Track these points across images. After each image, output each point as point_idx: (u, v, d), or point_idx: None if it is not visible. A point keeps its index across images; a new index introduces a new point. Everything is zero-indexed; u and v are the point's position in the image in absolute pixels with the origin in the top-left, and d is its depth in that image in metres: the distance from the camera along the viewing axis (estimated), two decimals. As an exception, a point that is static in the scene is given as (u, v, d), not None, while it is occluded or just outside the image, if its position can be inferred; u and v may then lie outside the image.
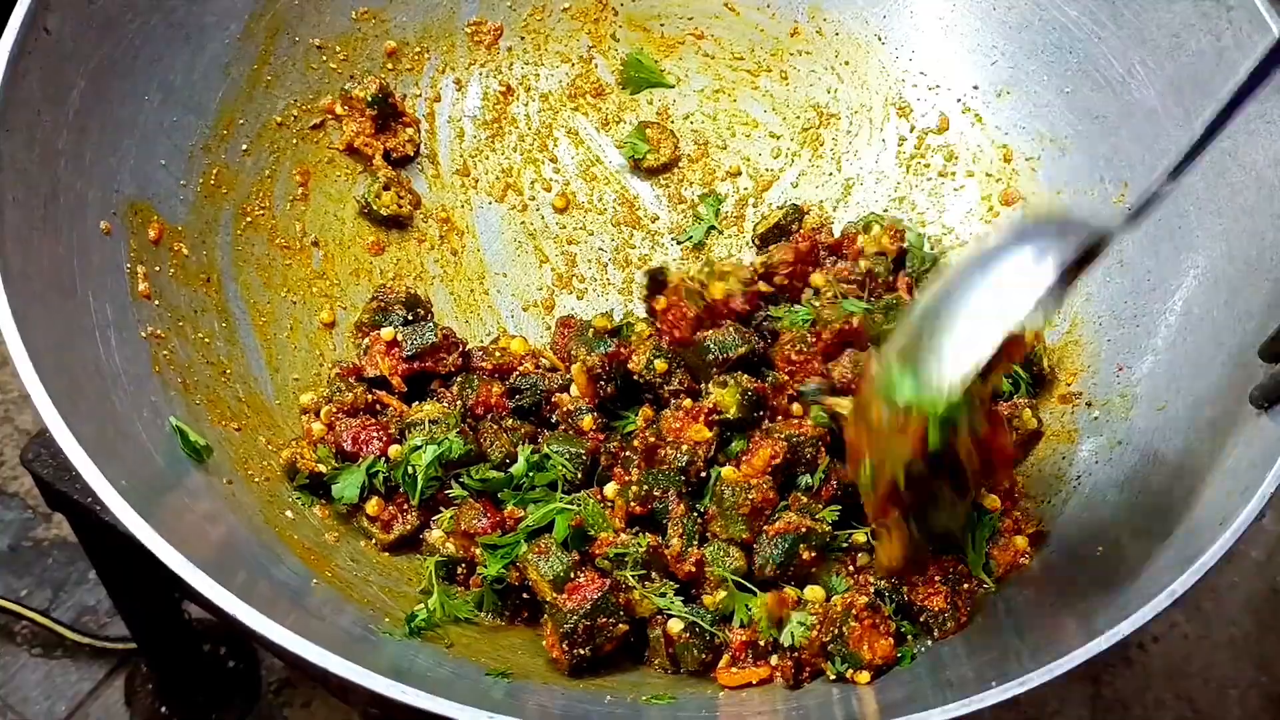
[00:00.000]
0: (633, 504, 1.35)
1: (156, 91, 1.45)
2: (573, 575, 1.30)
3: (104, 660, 2.20)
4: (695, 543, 1.34)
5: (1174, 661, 2.27)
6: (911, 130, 1.69)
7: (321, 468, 1.39)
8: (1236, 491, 1.15)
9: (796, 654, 1.26)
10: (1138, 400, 1.40)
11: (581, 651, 1.26)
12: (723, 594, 1.30)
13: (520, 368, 1.52)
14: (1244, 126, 1.39)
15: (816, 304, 1.50)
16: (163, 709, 2.08)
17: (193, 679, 2.07)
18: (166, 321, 1.38)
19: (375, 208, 1.63)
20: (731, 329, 1.45)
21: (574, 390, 1.47)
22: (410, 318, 1.54)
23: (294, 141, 1.61)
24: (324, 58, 1.63)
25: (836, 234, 1.64)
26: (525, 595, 1.34)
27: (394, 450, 1.40)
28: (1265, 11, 1.38)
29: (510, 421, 1.47)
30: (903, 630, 1.28)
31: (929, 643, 1.27)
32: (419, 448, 1.39)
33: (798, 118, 1.74)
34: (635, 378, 1.45)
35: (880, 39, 1.71)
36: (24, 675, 2.18)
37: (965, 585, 1.29)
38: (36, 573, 2.27)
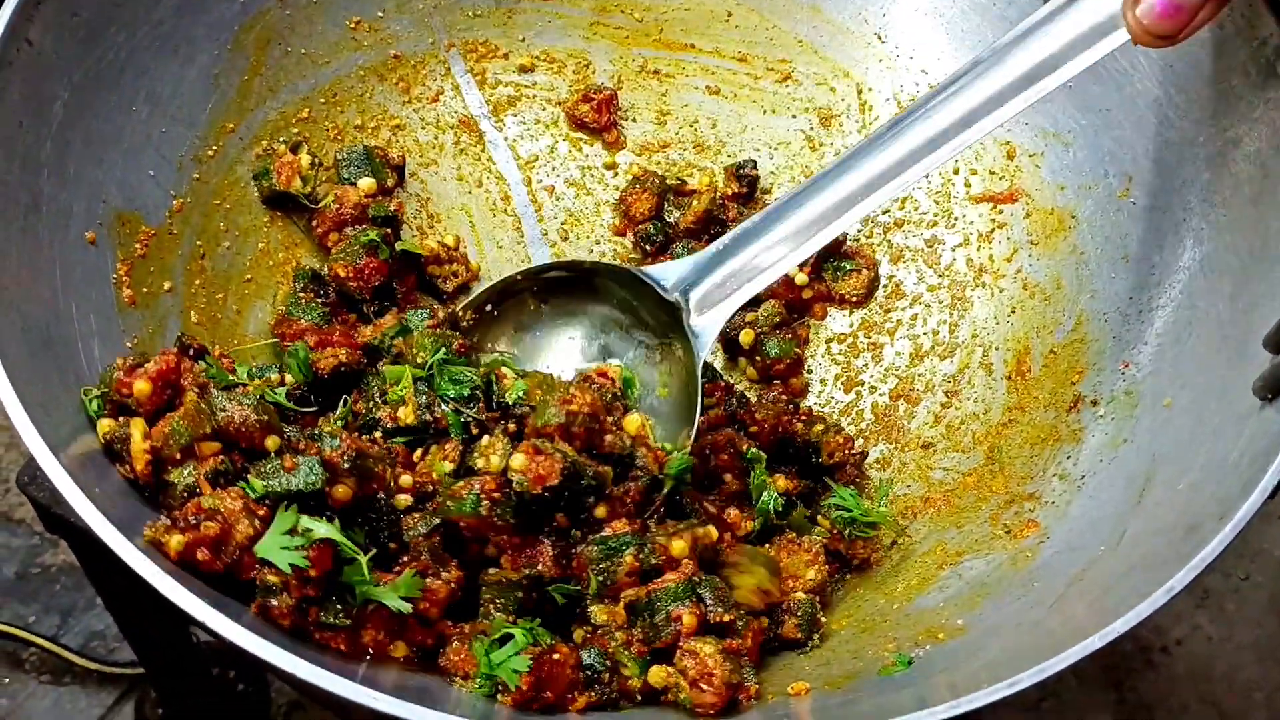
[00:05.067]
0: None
1: (144, 103, 1.45)
2: None
3: (112, 686, 2.18)
4: None
5: (1198, 664, 2.22)
6: (913, 129, 1.66)
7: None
8: (1238, 486, 1.11)
9: None
10: (1143, 397, 1.36)
11: None
12: None
13: None
14: (1247, 114, 1.35)
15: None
16: (171, 734, 2.06)
17: (202, 703, 2.04)
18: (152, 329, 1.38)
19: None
20: None
21: None
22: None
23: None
24: (316, 66, 1.63)
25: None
26: None
27: None
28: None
29: None
30: None
31: (926, 648, 1.23)
32: None
33: (795, 119, 1.71)
34: None
35: (880, 37, 1.69)
36: (33, 703, 2.17)
37: None
38: (44, 599, 2.26)
